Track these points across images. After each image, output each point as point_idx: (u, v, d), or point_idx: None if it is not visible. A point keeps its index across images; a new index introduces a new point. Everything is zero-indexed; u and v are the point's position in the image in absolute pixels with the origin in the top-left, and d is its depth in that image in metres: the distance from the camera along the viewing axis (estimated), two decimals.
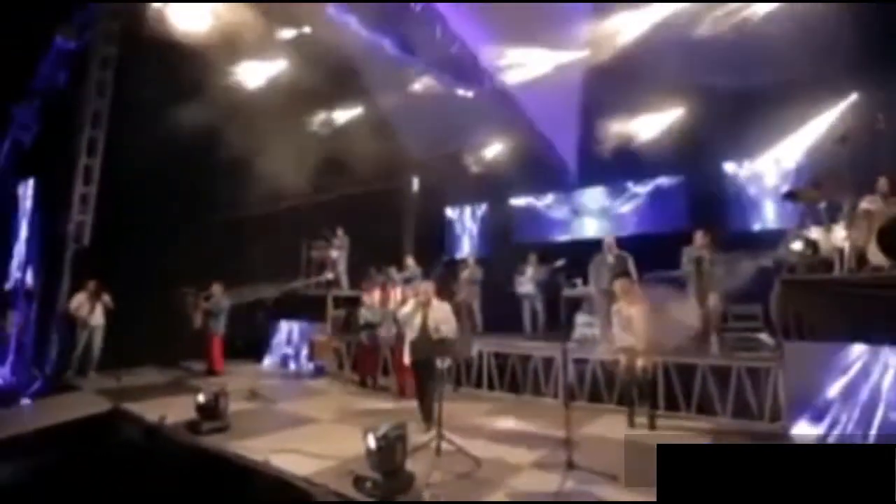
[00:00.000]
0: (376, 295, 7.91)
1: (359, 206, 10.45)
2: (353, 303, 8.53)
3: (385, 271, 8.88)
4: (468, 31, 8.92)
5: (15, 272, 9.38)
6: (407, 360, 5.20)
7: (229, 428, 4.97)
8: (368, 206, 10.70)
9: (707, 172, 9.16)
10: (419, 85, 10.02)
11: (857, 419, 4.35)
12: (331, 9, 8.23)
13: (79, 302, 7.68)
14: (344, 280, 9.82)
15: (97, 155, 8.29)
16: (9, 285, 9.40)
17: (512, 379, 6.78)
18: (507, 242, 11.27)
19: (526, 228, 11.59)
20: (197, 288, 8.46)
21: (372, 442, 3.45)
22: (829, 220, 5.13)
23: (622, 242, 7.40)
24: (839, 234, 4.97)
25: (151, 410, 5.42)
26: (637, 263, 6.93)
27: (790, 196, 5.95)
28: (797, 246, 5.10)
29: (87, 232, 8.19)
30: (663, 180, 9.93)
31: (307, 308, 9.20)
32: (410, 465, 3.65)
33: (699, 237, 6.50)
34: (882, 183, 5.27)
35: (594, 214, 10.78)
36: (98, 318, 7.76)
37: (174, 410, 5.22)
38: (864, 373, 4.39)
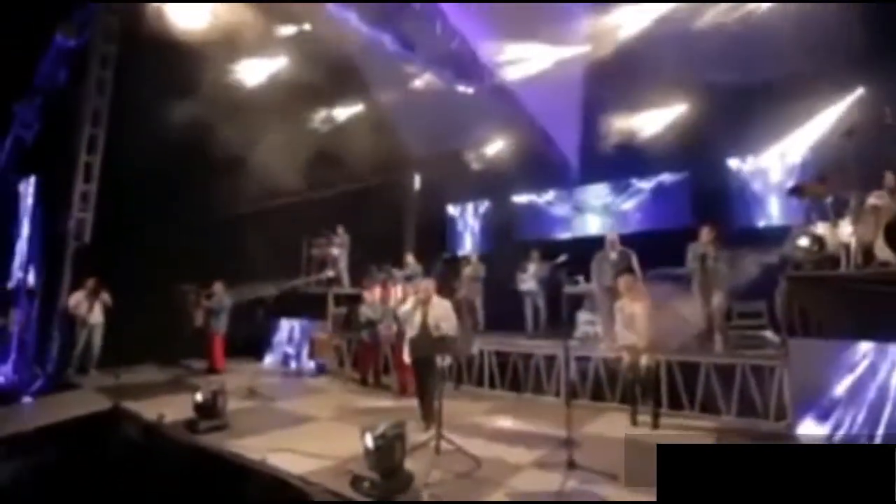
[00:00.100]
0: (377, 292, 7.88)
1: (359, 204, 10.45)
2: (354, 300, 8.51)
3: (386, 269, 8.82)
4: (468, 27, 8.85)
5: (17, 271, 9.39)
6: (407, 357, 5.17)
7: (227, 426, 4.95)
8: (369, 203, 10.67)
9: (711, 168, 9.06)
10: (419, 81, 9.97)
11: (865, 418, 4.27)
12: (331, 6, 8.19)
13: (77, 300, 7.67)
14: (345, 278, 9.80)
15: (97, 152, 8.31)
16: (11, 283, 9.41)
17: (513, 377, 6.72)
18: (508, 239, 11.21)
19: (528, 225, 11.55)
20: (198, 286, 8.47)
21: (370, 441, 3.40)
22: (835, 215, 5.04)
23: (625, 239, 7.30)
24: (845, 230, 4.88)
25: (150, 409, 5.40)
26: (640, 260, 6.82)
27: (795, 191, 5.85)
28: (803, 242, 5.03)
29: (88, 229, 8.21)
30: (666, 176, 9.85)
31: (308, 306, 9.17)
32: (409, 464, 3.60)
33: (705, 233, 6.32)
34: (889, 178, 5.15)
35: (596, 211, 10.71)
36: (97, 317, 7.75)
37: (173, 409, 5.21)
38: (872, 371, 4.31)
